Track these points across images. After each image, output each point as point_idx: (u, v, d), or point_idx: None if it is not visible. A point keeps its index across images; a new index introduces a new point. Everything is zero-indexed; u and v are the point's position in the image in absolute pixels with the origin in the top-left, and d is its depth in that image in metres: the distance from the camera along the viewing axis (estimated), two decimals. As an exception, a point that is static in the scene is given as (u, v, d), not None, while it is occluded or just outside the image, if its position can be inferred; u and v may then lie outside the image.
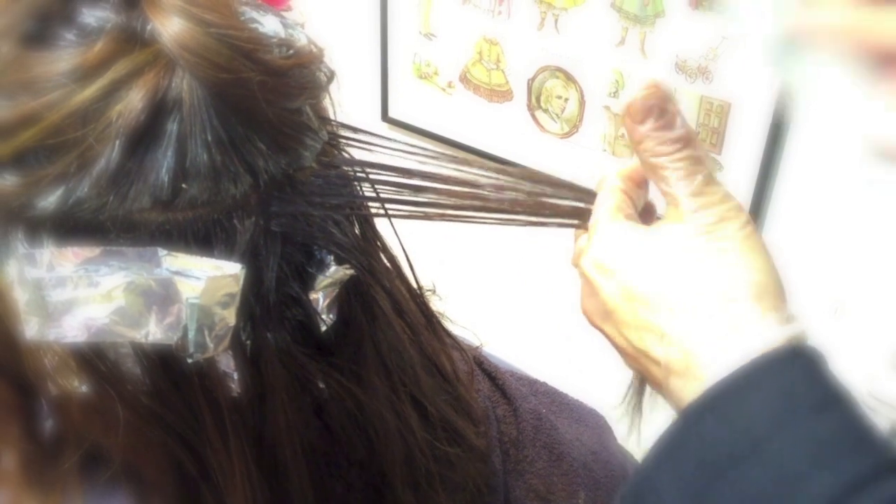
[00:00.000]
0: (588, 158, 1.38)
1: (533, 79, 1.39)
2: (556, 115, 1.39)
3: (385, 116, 1.59)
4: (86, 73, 0.37)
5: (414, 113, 1.56)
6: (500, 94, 1.44)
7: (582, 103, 1.35)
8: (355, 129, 0.46)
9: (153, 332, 0.40)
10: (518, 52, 1.39)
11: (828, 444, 0.36)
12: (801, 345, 0.39)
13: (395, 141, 0.46)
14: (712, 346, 0.39)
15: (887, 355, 1.13)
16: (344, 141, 0.45)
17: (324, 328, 0.45)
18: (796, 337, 0.40)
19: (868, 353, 1.20)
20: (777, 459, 0.35)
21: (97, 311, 0.40)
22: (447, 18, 1.44)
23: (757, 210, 1.24)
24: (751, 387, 0.37)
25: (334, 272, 0.45)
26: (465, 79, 1.47)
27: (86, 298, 0.39)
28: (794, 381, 0.37)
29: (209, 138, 0.39)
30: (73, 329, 0.40)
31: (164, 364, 0.42)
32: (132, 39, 0.38)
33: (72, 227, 0.38)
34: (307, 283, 0.45)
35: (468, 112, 1.48)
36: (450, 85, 1.49)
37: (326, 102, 0.46)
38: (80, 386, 0.42)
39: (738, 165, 1.23)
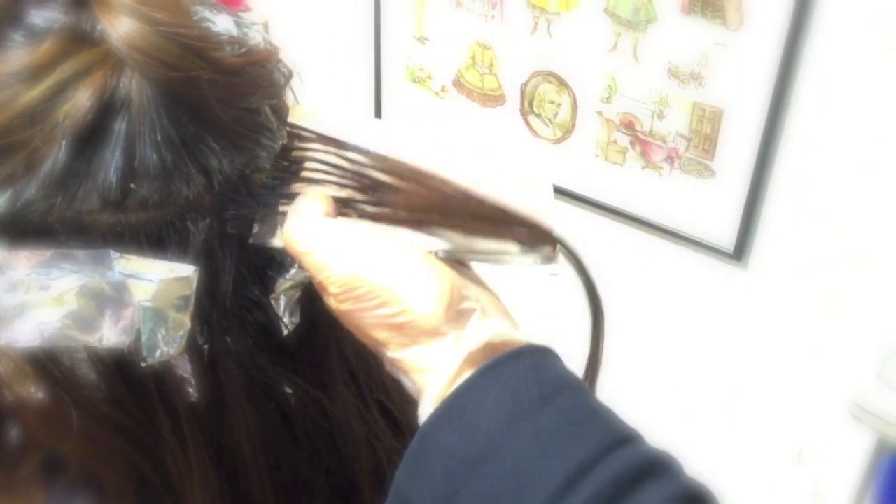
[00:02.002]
0: (581, 163, 1.37)
1: (526, 83, 1.38)
2: (549, 120, 1.38)
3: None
4: (33, 74, 0.37)
5: (407, 117, 1.55)
6: (493, 99, 1.43)
7: (574, 108, 1.34)
8: (319, 135, 0.45)
9: (107, 336, 0.39)
10: (511, 56, 1.38)
11: (552, 433, 0.37)
12: (525, 344, 0.41)
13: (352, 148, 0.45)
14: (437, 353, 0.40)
15: (873, 366, 1.12)
16: (303, 143, 0.45)
17: (286, 332, 0.45)
18: (512, 338, 0.41)
19: (854, 363, 1.19)
20: (509, 458, 0.37)
21: (49, 315, 0.39)
22: (440, 22, 1.44)
23: (749, 217, 1.23)
24: (480, 391, 0.39)
25: (295, 274, 0.44)
26: (458, 83, 1.46)
27: (38, 302, 0.39)
28: (519, 379, 0.39)
29: (159, 138, 0.38)
30: (26, 334, 0.39)
31: (120, 369, 0.41)
32: (80, 39, 0.37)
33: (22, 229, 0.38)
34: (267, 285, 0.44)
35: (461, 117, 1.48)
36: (443, 89, 1.49)
37: (289, 102, 0.46)
38: (35, 392, 0.41)
39: (731, 172, 1.23)
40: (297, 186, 0.43)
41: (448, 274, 0.41)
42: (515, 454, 0.37)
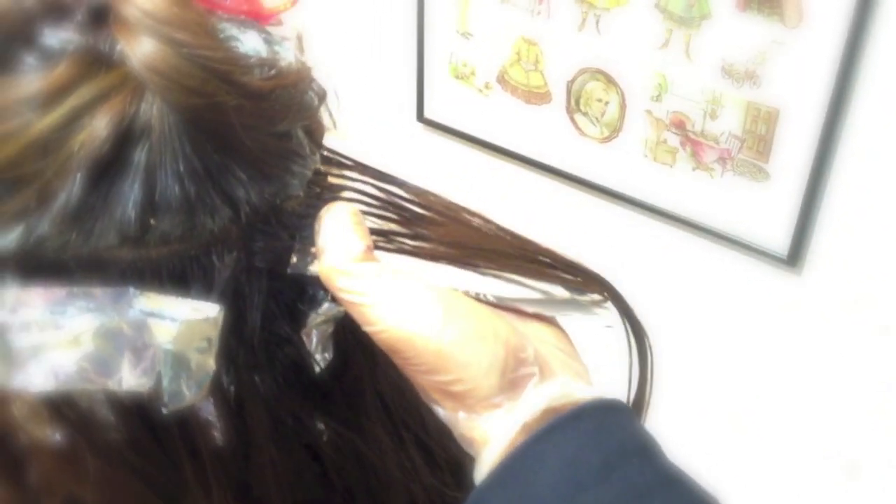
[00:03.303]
0: (628, 164, 1.33)
1: (572, 81, 1.34)
2: (596, 118, 1.34)
3: (420, 117, 1.56)
4: (46, 100, 0.34)
5: (450, 114, 1.52)
6: (538, 96, 1.39)
7: (623, 107, 1.30)
8: (356, 163, 0.42)
9: (126, 378, 0.37)
10: (557, 53, 1.34)
11: None
12: (587, 403, 0.37)
13: (389, 178, 0.42)
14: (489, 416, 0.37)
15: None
16: (340, 170, 0.42)
17: (318, 369, 0.42)
18: (576, 396, 0.37)
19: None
20: None
21: (65, 357, 0.36)
22: (485, 17, 1.40)
23: (805, 221, 1.18)
24: (536, 459, 0.35)
25: (328, 309, 0.41)
26: (502, 80, 1.43)
27: (52, 343, 0.36)
28: (579, 445, 0.35)
29: (181, 168, 0.35)
30: (40, 376, 0.36)
31: (140, 412, 0.38)
32: (98, 62, 0.34)
33: (35, 266, 0.35)
34: (298, 321, 0.41)
35: (505, 114, 1.44)
36: (487, 86, 1.45)
37: (325, 122, 0.43)
38: (52, 435, 0.39)
39: (787, 175, 1.18)
40: None
41: (502, 335, 0.37)
42: None
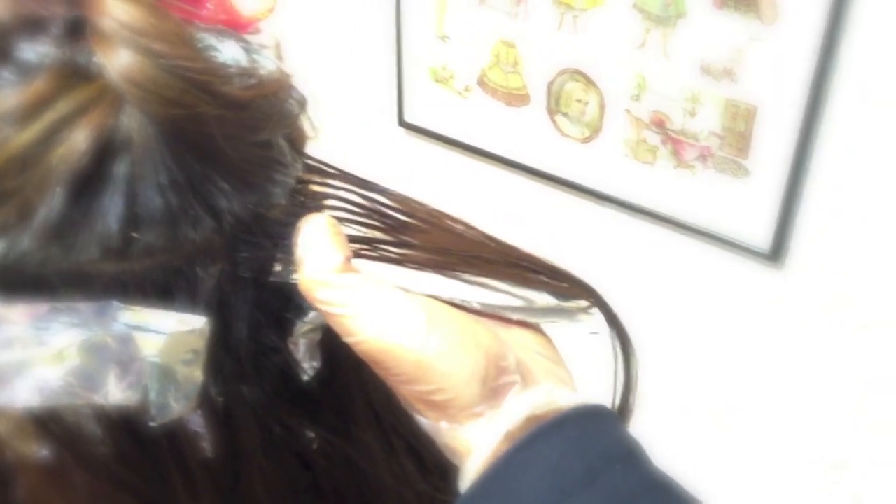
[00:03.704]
0: (610, 163, 1.33)
1: (552, 82, 1.34)
2: (577, 119, 1.34)
3: (401, 121, 1.55)
4: (23, 115, 0.33)
5: (430, 118, 1.52)
6: (518, 98, 1.40)
7: (603, 107, 1.30)
8: (340, 171, 0.42)
9: (112, 393, 0.36)
10: (536, 54, 1.34)
11: None
12: (570, 409, 0.37)
13: (372, 185, 0.42)
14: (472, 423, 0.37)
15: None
16: (322, 178, 0.41)
17: (306, 378, 0.42)
18: (559, 403, 0.37)
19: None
20: None
21: (49, 373, 0.36)
22: (462, 20, 1.40)
23: (786, 216, 1.18)
24: (519, 467, 0.35)
25: (314, 317, 0.41)
26: (482, 82, 1.43)
27: (36, 359, 0.36)
28: (562, 452, 0.35)
29: (162, 180, 0.35)
30: (25, 393, 0.36)
31: (128, 426, 0.38)
32: (75, 75, 0.34)
33: (16, 282, 0.35)
34: (285, 329, 0.41)
35: (486, 116, 1.44)
36: (467, 89, 1.45)
37: (306, 129, 0.43)
38: (38, 451, 0.38)
39: (767, 170, 1.18)
40: None
41: (484, 343, 0.37)
42: None
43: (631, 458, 0.36)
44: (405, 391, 0.37)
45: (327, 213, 0.40)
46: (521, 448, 0.35)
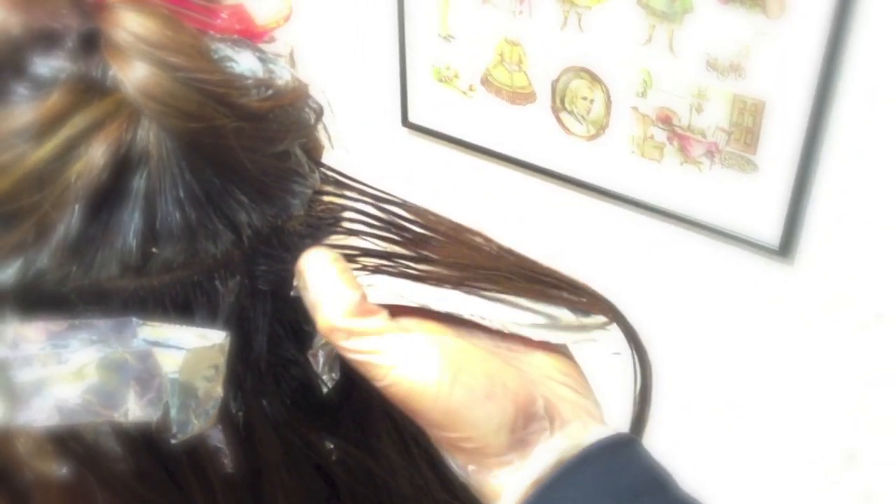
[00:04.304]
0: (616, 161, 1.32)
1: (557, 80, 1.34)
2: (582, 116, 1.34)
3: (405, 121, 1.55)
4: (40, 131, 0.33)
5: (434, 118, 1.51)
6: (522, 97, 1.39)
7: (608, 104, 1.30)
8: (356, 182, 0.41)
9: (132, 410, 0.36)
10: (540, 52, 1.33)
11: None
12: (591, 446, 0.37)
13: (388, 197, 0.41)
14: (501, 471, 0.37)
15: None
16: (339, 189, 0.41)
17: (326, 390, 0.41)
18: (582, 442, 0.37)
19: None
20: None
21: (69, 391, 0.35)
22: (466, 20, 1.40)
23: (795, 211, 1.18)
24: None
25: None
26: (486, 81, 1.42)
27: (55, 377, 0.35)
28: (588, 491, 0.35)
29: (181, 194, 0.34)
30: (44, 411, 0.36)
31: (148, 443, 0.37)
32: (91, 89, 0.34)
33: (35, 300, 0.34)
34: (304, 342, 0.41)
35: (490, 115, 1.44)
36: (471, 88, 1.44)
37: (322, 139, 0.42)
38: (58, 469, 0.38)
39: (775, 165, 1.18)
40: (335, 239, 0.39)
41: (511, 389, 0.36)
42: None
43: (657, 488, 0.36)
44: (434, 435, 0.37)
45: (345, 225, 0.40)
46: (548, 488, 0.35)
